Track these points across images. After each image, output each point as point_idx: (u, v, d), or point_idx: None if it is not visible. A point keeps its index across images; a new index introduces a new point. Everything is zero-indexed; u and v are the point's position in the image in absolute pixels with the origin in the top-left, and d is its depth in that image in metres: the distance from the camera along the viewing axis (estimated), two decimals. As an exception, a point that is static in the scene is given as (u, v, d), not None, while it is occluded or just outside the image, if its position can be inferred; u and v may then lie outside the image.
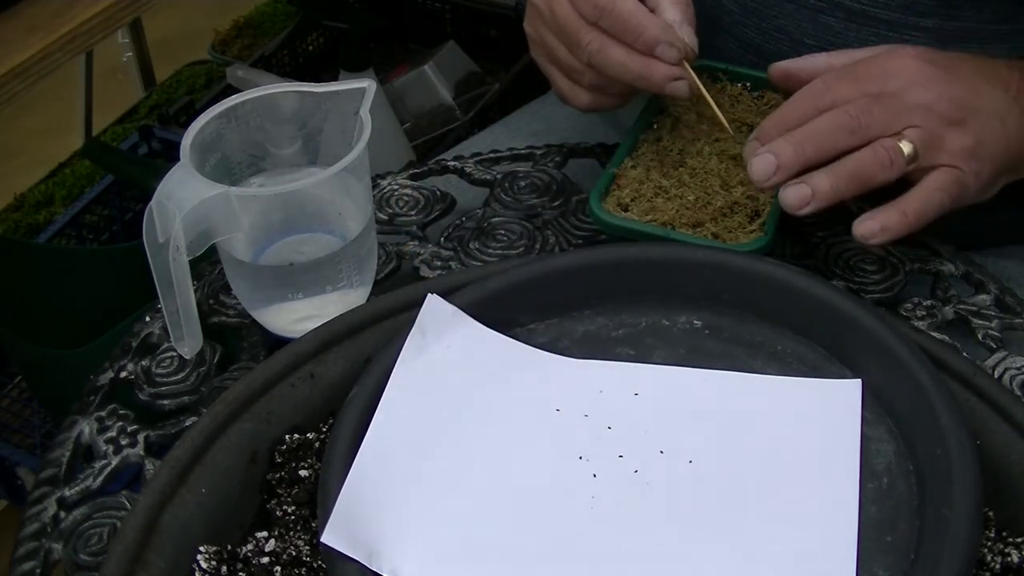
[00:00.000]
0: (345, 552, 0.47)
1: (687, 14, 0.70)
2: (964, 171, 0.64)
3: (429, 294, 0.57)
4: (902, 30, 0.73)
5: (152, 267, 0.59)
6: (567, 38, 0.69)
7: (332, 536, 0.47)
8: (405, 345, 0.55)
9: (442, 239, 0.72)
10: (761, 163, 0.63)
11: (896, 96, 0.64)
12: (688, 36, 0.69)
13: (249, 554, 0.51)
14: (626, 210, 0.67)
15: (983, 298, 0.67)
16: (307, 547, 0.51)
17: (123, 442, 0.61)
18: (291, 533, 0.52)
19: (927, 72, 0.64)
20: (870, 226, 0.63)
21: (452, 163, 0.79)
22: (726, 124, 0.70)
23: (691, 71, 0.68)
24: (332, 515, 0.48)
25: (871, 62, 0.66)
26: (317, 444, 0.55)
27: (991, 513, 0.51)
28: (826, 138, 0.63)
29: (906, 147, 0.63)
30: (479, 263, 0.70)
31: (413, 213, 0.75)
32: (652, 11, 0.69)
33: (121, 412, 0.63)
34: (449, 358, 0.56)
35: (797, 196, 0.63)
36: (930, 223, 0.67)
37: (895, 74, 0.64)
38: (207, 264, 0.71)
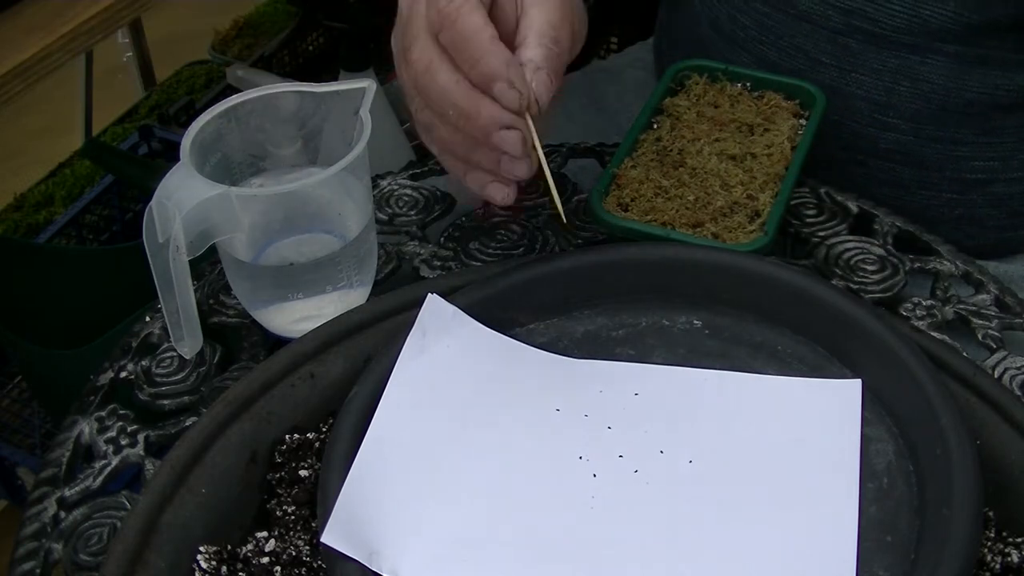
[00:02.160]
0: (345, 552, 0.47)
1: (553, 62, 0.56)
2: None
3: (429, 294, 0.57)
4: (923, 54, 0.72)
5: (152, 267, 0.59)
6: (402, 49, 0.56)
7: (332, 536, 0.47)
8: (405, 345, 0.55)
9: (442, 239, 0.72)
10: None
11: None
12: (541, 84, 0.55)
13: (249, 554, 0.51)
14: (626, 210, 0.67)
15: (983, 298, 0.67)
16: (307, 547, 0.51)
17: (123, 442, 0.61)
18: (291, 533, 0.52)
19: None
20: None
21: (452, 163, 0.79)
22: (560, 210, 0.60)
23: (531, 126, 0.55)
24: (332, 515, 0.48)
25: None
26: (317, 444, 0.55)
27: (991, 513, 0.51)
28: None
29: None
30: (479, 263, 0.70)
31: (413, 213, 0.75)
32: (514, 47, 0.56)
33: (121, 412, 0.63)
34: (449, 358, 0.56)
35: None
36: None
37: None
38: (207, 264, 0.71)
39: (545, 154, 0.58)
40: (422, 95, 0.55)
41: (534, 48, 0.56)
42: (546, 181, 0.58)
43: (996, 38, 0.71)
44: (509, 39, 0.56)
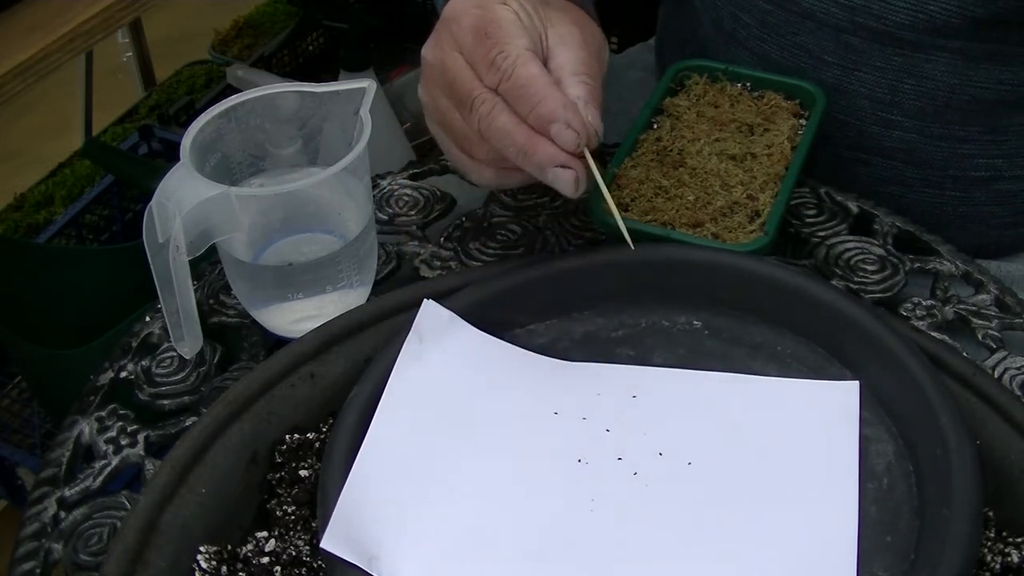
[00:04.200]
0: (345, 557, 0.47)
1: (593, 93, 0.60)
2: None
3: (425, 300, 0.57)
4: (928, 51, 0.72)
5: (152, 267, 0.59)
6: (459, 100, 0.60)
7: (331, 541, 0.47)
8: (402, 351, 0.55)
9: (442, 239, 0.72)
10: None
11: None
12: (593, 118, 0.58)
13: (249, 554, 0.51)
14: (626, 210, 0.67)
15: (983, 298, 0.67)
16: (307, 547, 0.51)
17: (123, 442, 0.61)
18: (291, 533, 0.52)
19: None
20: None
21: (452, 163, 0.79)
22: (626, 233, 0.61)
23: (591, 160, 0.58)
24: (331, 520, 0.48)
25: None
26: (317, 444, 0.55)
27: (991, 513, 0.51)
28: None
29: None
30: (479, 263, 0.70)
31: (413, 213, 0.75)
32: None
33: (121, 412, 0.63)
34: (446, 363, 0.56)
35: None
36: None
37: None
38: (207, 264, 0.71)
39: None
40: (485, 137, 0.59)
41: (575, 87, 0.59)
42: (609, 207, 0.61)
43: (1001, 33, 0.71)
44: None
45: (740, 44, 0.79)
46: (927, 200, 0.78)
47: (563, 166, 0.57)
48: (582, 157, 0.58)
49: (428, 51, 0.62)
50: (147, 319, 0.68)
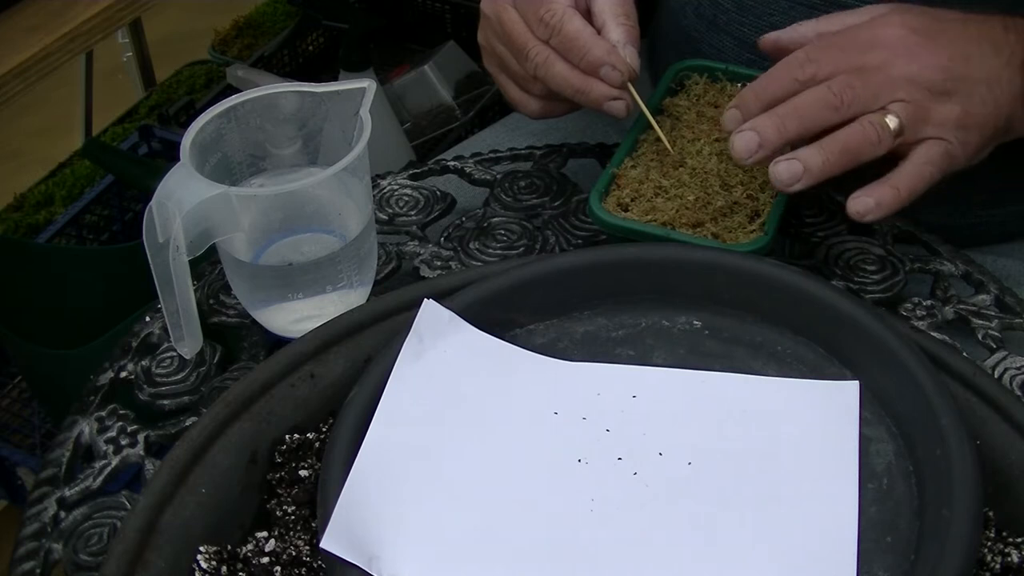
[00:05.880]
0: (345, 557, 0.47)
1: (631, 34, 0.70)
2: (952, 142, 0.64)
3: (425, 299, 0.57)
4: None
5: (152, 267, 0.59)
6: (515, 50, 0.71)
7: (331, 541, 0.47)
8: (402, 351, 0.55)
9: (442, 239, 0.72)
10: (743, 140, 0.63)
11: (879, 69, 0.63)
12: (631, 56, 0.69)
13: (249, 554, 0.51)
14: (626, 210, 0.67)
15: (983, 298, 0.67)
16: (307, 547, 0.51)
17: (123, 442, 0.61)
18: (291, 533, 0.52)
19: (912, 42, 0.64)
20: (865, 202, 0.63)
21: (452, 163, 0.79)
22: (668, 145, 0.70)
23: (633, 91, 0.70)
24: (331, 520, 0.48)
25: (855, 32, 0.66)
26: (317, 444, 0.55)
27: (991, 513, 0.51)
28: (809, 115, 0.63)
29: (892, 122, 0.63)
30: (479, 263, 0.70)
31: (413, 213, 0.75)
32: (598, 29, 0.70)
33: (121, 412, 0.63)
34: (446, 363, 0.56)
35: (789, 172, 0.62)
36: (927, 221, 0.66)
37: (879, 45, 0.64)
38: (207, 264, 0.71)
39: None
40: (543, 81, 0.70)
41: (615, 29, 0.70)
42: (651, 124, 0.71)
43: (979, 5, 0.70)
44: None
45: (721, 30, 0.80)
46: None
47: (616, 99, 0.69)
48: (625, 89, 0.69)
49: (485, 5, 0.74)
50: (147, 319, 0.68)
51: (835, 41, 0.66)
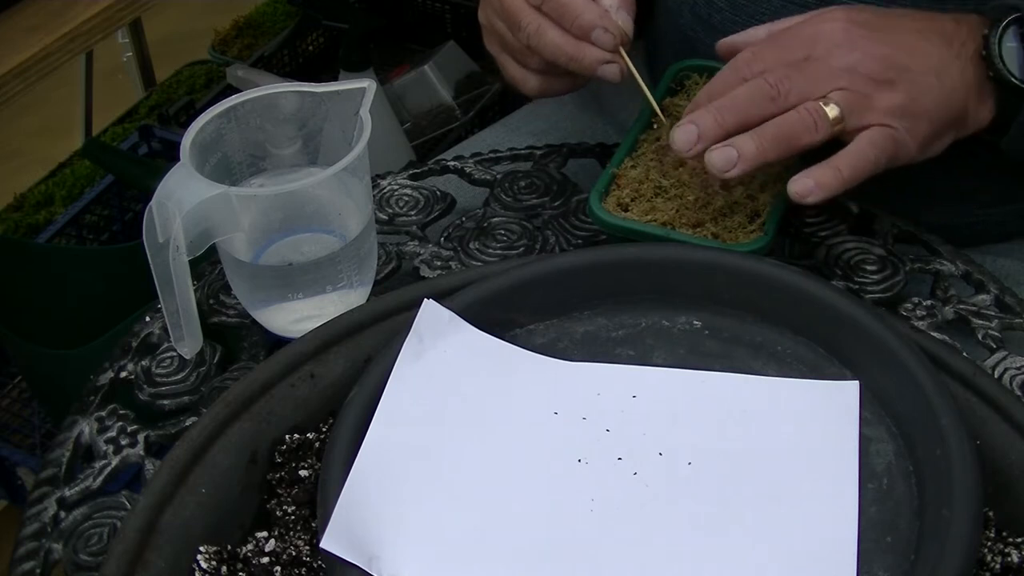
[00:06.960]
0: (345, 557, 0.47)
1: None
2: (897, 128, 0.64)
3: (425, 299, 0.57)
4: None
5: (152, 267, 0.59)
6: (510, 21, 0.71)
7: (331, 541, 0.47)
8: (402, 350, 0.55)
9: (442, 239, 0.72)
10: (683, 133, 0.64)
11: (820, 60, 0.64)
12: (623, 21, 0.70)
13: (249, 554, 0.51)
14: (626, 210, 0.67)
15: (983, 298, 0.67)
16: (307, 547, 0.51)
17: (123, 442, 0.61)
18: (291, 533, 0.52)
19: (853, 34, 0.65)
20: (804, 183, 0.63)
21: (452, 163, 0.79)
22: (658, 110, 0.71)
23: (624, 56, 0.70)
24: (331, 520, 0.48)
25: (798, 28, 0.67)
26: (317, 444, 0.55)
27: (991, 513, 0.51)
28: (746, 106, 0.64)
29: (831, 110, 0.63)
30: (479, 263, 0.70)
31: (413, 213, 0.75)
32: None
33: (121, 412, 0.63)
34: (446, 363, 0.56)
35: (723, 158, 0.63)
36: (927, 221, 0.65)
37: (820, 39, 0.65)
38: (207, 264, 0.71)
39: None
40: (536, 50, 0.70)
41: None
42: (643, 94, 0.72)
43: (959, 5, 0.70)
44: None
45: (716, 29, 0.80)
46: (905, 175, 0.78)
47: (608, 63, 0.69)
48: (618, 53, 0.70)
49: None
50: (147, 319, 0.68)
51: (779, 38, 0.67)
